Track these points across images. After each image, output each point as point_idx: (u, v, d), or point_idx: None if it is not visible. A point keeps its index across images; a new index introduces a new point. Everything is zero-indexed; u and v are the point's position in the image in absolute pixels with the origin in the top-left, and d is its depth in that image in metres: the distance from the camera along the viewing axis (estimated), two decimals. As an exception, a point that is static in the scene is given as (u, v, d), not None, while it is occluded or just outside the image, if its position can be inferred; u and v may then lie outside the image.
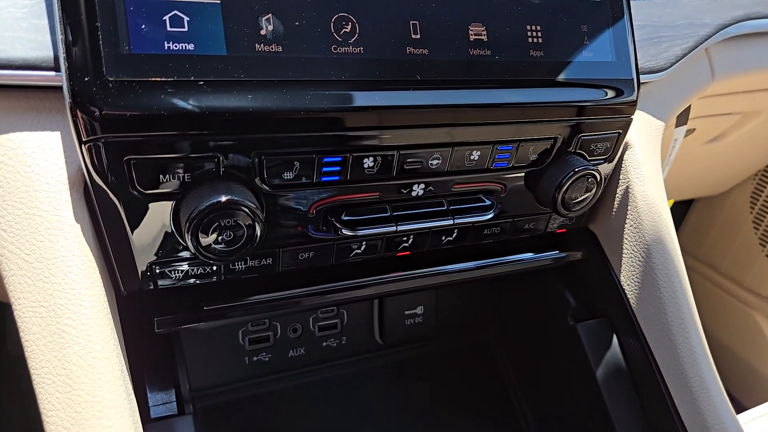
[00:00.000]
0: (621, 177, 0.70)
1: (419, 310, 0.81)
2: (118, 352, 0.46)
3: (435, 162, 0.55)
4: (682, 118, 0.97)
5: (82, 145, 0.43)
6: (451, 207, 0.59)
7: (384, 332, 0.80)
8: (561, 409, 0.78)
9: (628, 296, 0.70)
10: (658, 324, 0.67)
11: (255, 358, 0.75)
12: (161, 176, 0.45)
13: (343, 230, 0.54)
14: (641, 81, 0.64)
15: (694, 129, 1.19)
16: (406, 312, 0.80)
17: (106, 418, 0.42)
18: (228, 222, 0.46)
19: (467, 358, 0.88)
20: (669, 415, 0.66)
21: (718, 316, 2.05)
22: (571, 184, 0.61)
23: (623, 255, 0.71)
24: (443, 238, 0.63)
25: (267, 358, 0.76)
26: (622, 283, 0.71)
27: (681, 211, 2.09)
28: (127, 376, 0.47)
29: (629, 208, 0.70)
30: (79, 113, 0.41)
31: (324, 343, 0.79)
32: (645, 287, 0.68)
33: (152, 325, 0.54)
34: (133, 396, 0.47)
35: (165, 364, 0.59)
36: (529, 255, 0.71)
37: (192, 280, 0.53)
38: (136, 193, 0.45)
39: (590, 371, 0.72)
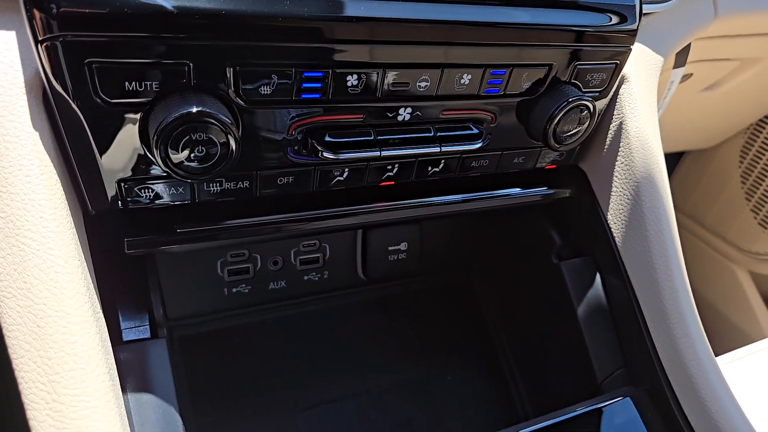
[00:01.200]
0: (615, 112, 0.68)
1: (403, 246, 0.80)
2: (83, 269, 0.44)
3: (423, 84, 0.52)
4: (681, 59, 0.94)
5: (39, 45, 0.39)
6: (439, 134, 0.56)
7: (367, 267, 0.79)
8: (540, 345, 0.78)
9: (614, 235, 0.69)
10: (643, 262, 0.66)
11: (234, 290, 0.74)
12: (126, 84, 0.42)
13: (324, 153, 0.51)
14: (643, 11, 0.60)
15: (692, 74, 1.16)
16: (390, 247, 0.79)
17: (70, 334, 0.40)
18: (200, 136, 0.43)
19: (450, 296, 0.88)
20: (646, 352, 0.66)
21: (699, 269, 2.07)
22: (563, 115, 0.58)
23: (612, 193, 0.69)
24: (429, 168, 0.61)
25: (246, 290, 0.74)
26: (608, 222, 0.70)
27: (671, 163, 2.08)
28: (94, 294, 0.46)
29: (621, 144, 0.68)
30: (34, 9, 0.38)
31: (305, 277, 0.78)
32: (632, 226, 0.67)
33: (123, 247, 0.52)
34: (101, 315, 0.46)
35: (138, 288, 0.58)
36: (517, 190, 0.70)
37: (164, 201, 0.51)
38: (99, 101, 0.42)
39: (571, 309, 0.71)
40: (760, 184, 1.81)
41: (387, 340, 0.82)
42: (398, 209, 0.64)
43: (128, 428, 0.45)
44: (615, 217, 0.69)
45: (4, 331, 0.40)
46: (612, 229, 0.70)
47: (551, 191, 0.72)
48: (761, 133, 1.76)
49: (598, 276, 0.72)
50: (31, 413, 0.39)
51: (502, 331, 0.84)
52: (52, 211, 0.41)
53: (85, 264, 0.45)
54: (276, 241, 0.73)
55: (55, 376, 0.39)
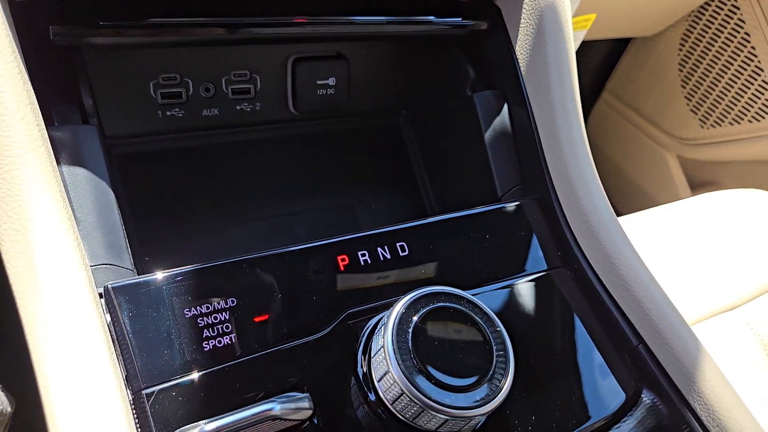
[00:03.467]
0: (527, -57, 0.72)
1: (331, 81, 0.85)
2: (10, 39, 0.48)
3: None
4: None
5: None
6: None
7: (297, 101, 0.84)
8: (452, 167, 0.87)
9: (521, 67, 0.76)
10: (542, 89, 0.73)
11: (168, 113, 0.78)
12: None
13: None
14: None
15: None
16: (318, 81, 0.84)
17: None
18: None
19: (377, 135, 0.94)
20: (540, 170, 0.75)
21: (633, 156, 2.20)
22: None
23: (520, 26, 0.75)
24: (347, -16, 0.65)
25: (180, 115, 0.79)
26: (517, 55, 0.76)
27: (616, 52, 2.14)
28: (23, 68, 0.50)
29: (530, -25, 0.73)
30: None
31: (238, 107, 0.83)
32: (535, 55, 0.74)
33: (49, 36, 0.56)
34: (30, 89, 0.50)
35: (68, 84, 0.62)
36: (433, 18, 0.75)
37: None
38: None
39: (480, 135, 0.79)
40: (696, 71, 1.89)
41: (317, 171, 0.89)
42: (321, 24, 0.68)
43: (62, 186, 0.51)
44: (522, 49, 0.75)
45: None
46: (519, 62, 0.76)
47: (470, 22, 0.77)
48: (701, 20, 1.82)
49: (506, 106, 0.79)
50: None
51: (421, 160, 0.92)
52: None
53: (12, 40, 0.49)
54: (207, 67, 0.77)
55: (-13, 120, 0.44)
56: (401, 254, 0.63)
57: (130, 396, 0.48)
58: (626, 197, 2.28)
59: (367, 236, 0.62)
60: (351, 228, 0.87)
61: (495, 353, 0.51)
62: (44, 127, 0.50)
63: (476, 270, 0.65)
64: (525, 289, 0.66)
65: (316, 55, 0.82)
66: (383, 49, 0.87)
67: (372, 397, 0.52)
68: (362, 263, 0.60)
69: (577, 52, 1.59)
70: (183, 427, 0.46)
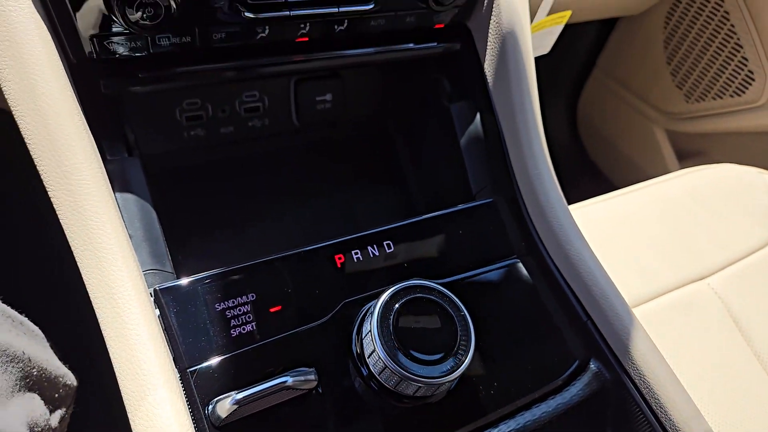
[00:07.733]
0: (490, -24, 0.84)
1: (328, 96, 0.98)
2: (71, 93, 0.62)
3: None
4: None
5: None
6: (336, -4, 0.72)
7: (299, 114, 0.97)
8: (433, 169, 1.00)
9: (488, 81, 0.88)
10: (506, 102, 0.86)
11: (192, 133, 0.92)
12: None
13: (245, 13, 0.68)
14: None
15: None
16: (317, 98, 0.97)
17: (69, 141, 0.59)
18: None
19: (371, 141, 1.08)
20: (506, 172, 0.88)
21: (623, 129, 2.30)
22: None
23: (487, 47, 0.87)
24: (336, 27, 0.77)
25: (202, 133, 0.93)
26: (485, 71, 0.88)
27: (605, 31, 2.22)
28: (81, 113, 0.63)
29: (494, 4, 0.85)
30: None
31: (249, 123, 0.96)
32: (499, 72, 0.86)
33: (99, 88, 0.69)
34: (88, 131, 0.64)
35: (114, 123, 0.76)
36: (412, 45, 0.87)
37: (127, 51, 0.67)
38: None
39: (456, 140, 0.92)
40: (680, 48, 1.98)
41: (319, 175, 1.03)
42: (320, 60, 0.81)
43: (119, 210, 0.65)
44: (489, 66, 0.87)
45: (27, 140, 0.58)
46: (487, 76, 0.88)
47: (441, 45, 0.89)
48: (683, -2, 1.89)
49: (478, 114, 0.92)
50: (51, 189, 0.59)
51: (408, 162, 1.05)
52: (47, 56, 0.58)
53: (75, 99, 0.63)
54: (223, 93, 0.91)
55: (65, 168, 0.58)
56: (388, 251, 0.77)
57: (177, 374, 0.63)
58: (618, 170, 2.39)
59: (360, 237, 0.76)
60: (350, 222, 1.01)
61: (459, 333, 0.65)
62: (103, 167, 0.64)
63: (450, 262, 0.79)
64: (492, 277, 0.80)
65: (314, 75, 0.95)
66: (372, 69, 0.99)
67: (364, 371, 0.66)
68: (355, 260, 0.75)
69: (569, 35, 1.68)
70: (219, 397, 0.61)
